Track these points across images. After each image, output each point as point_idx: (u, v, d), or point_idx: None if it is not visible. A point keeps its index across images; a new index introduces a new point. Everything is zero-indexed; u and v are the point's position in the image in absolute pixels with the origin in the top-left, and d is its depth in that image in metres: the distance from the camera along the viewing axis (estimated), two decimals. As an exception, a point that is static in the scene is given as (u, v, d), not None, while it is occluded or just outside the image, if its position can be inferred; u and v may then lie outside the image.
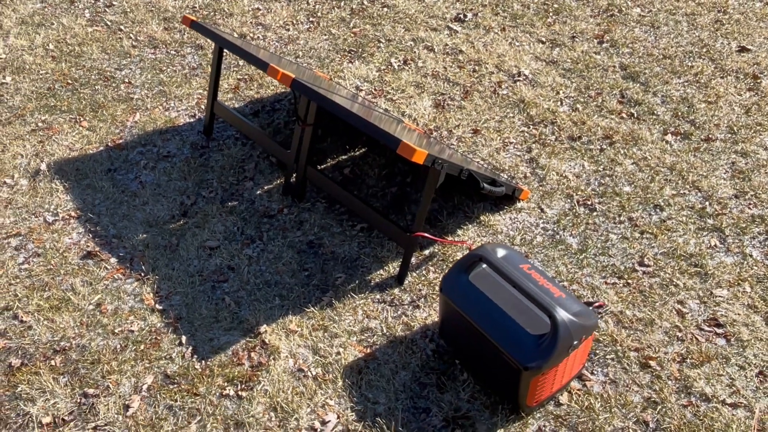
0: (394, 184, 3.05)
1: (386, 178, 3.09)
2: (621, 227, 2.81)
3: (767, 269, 2.60)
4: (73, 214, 2.95)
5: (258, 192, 3.05)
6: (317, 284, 2.61)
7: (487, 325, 2.08)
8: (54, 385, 2.28)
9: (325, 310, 2.50)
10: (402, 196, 2.98)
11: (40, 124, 3.48)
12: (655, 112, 3.45)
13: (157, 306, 2.54)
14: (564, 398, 2.19)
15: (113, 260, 2.73)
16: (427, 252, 2.73)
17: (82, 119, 3.50)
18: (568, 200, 2.95)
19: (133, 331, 2.46)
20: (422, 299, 2.53)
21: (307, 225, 2.86)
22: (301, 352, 2.36)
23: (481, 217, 2.86)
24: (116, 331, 2.46)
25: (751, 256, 2.66)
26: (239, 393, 2.24)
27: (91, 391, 2.26)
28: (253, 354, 2.36)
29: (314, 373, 2.30)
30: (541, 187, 3.02)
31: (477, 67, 3.85)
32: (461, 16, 4.35)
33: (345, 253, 2.73)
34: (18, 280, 2.66)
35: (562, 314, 1.97)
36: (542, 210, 2.91)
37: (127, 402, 2.23)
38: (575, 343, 2.01)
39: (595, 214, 2.87)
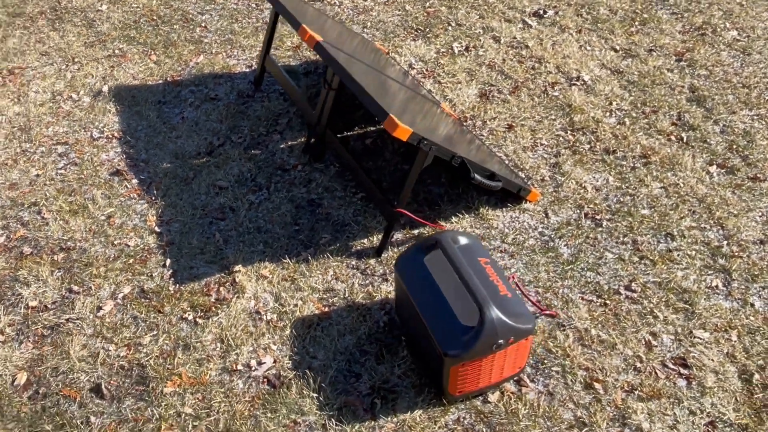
0: (408, 162, 3.09)
1: (403, 155, 3.14)
2: (621, 248, 2.69)
3: (764, 322, 2.41)
4: (116, 134, 3.24)
5: (282, 146, 3.20)
6: (302, 239, 2.73)
7: (425, 308, 2.10)
8: (49, 277, 2.56)
9: (300, 264, 2.62)
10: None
11: (116, 51, 3.82)
12: (708, 140, 3.23)
13: (156, 228, 2.76)
14: (494, 397, 2.18)
15: (135, 181, 2.99)
16: (415, 231, 2.76)
17: (152, 53, 3.80)
18: (577, 210, 2.86)
19: (129, 246, 2.69)
20: (393, 274, 2.58)
21: (314, 184, 2.97)
22: (265, 296, 2.50)
23: (481, 210, 2.85)
24: (115, 242, 2.71)
25: (752, 305, 2.47)
26: (197, 319, 2.41)
27: (76, 288, 2.52)
28: (222, 288, 2.52)
29: (269, 317, 2.42)
30: (554, 193, 2.95)
31: (536, 65, 3.76)
32: (541, 11, 4.25)
33: (338, 217, 2.82)
34: (52, 182, 2.98)
35: (492, 311, 1.96)
36: (547, 215, 2.85)
37: (101, 304, 2.47)
38: (501, 342, 1.99)
39: (599, 229, 2.78)
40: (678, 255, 2.67)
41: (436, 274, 2.16)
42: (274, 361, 2.29)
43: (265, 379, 2.24)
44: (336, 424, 2.10)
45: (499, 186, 2.64)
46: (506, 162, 3.10)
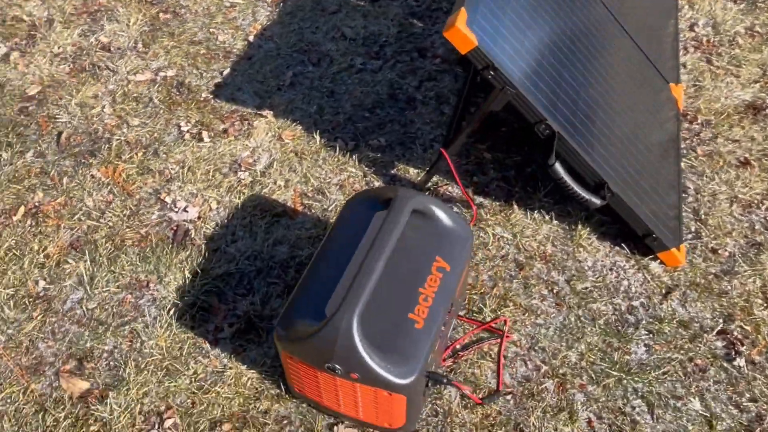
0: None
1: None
2: (725, 406, 1.58)
3: None
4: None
5: (448, 31, 2.55)
6: (357, 129, 2.17)
7: (317, 261, 1.47)
8: (134, 26, 2.48)
9: (326, 150, 2.10)
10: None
11: None
12: None
13: (250, 37, 2.46)
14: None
15: (283, -12, 2.68)
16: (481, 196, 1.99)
17: None
18: (718, 317, 1.75)
19: (217, 40, 2.47)
20: (398, 223, 1.91)
21: (432, 84, 2.32)
22: (261, 156, 2.07)
23: (579, 228, 1.91)
24: (211, 30, 2.50)
25: None
26: (187, 135, 2.12)
27: (141, 46, 2.41)
28: (237, 123, 2.16)
29: (241, 177, 2.01)
30: (711, 275, 1.84)
31: None
32: None
33: (416, 131, 2.17)
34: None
35: (345, 323, 1.25)
36: (667, 294, 1.80)
37: (140, 71, 2.32)
38: (337, 367, 1.29)
39: (723, 364, 1.66)
40: (810, 488, 1.47)
41: (370, 237, 1.48)
42: (198, 218, 1.90)
43: (175, 228, 1.88)
44: (167, 320, 1.67)
45: (596, 205, 1.70)
46: (684, 198, 2.02)
